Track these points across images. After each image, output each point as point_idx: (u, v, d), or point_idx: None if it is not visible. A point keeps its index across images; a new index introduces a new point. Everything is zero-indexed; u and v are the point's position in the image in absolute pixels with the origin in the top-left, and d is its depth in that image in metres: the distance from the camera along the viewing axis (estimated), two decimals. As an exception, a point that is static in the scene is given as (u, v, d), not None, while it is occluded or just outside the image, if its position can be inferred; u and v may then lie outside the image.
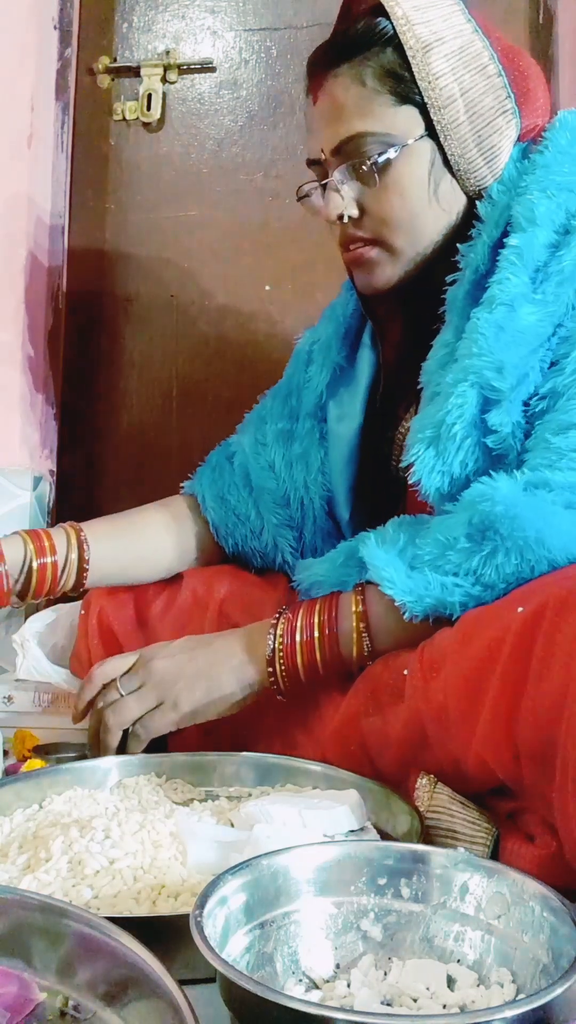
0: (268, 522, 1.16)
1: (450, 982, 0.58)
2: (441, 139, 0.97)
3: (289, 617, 0.95)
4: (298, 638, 0.94)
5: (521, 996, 0.55)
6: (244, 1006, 0.50)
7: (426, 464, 0.93)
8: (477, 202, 0.99)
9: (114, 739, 0.95)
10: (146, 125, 1.88)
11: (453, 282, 0.98)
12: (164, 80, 1.86)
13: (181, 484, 1.23)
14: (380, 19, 0.96)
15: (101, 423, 1.89)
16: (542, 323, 0.90)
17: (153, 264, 1.89)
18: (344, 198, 0.99)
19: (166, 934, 0.58)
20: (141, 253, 1.89)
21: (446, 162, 0.98)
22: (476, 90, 0.96)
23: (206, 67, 1.87)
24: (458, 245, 0.98)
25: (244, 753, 0.96)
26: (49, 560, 1.05)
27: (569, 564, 0.82)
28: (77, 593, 1.11)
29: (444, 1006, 0.55)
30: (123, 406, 1.89)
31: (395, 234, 0.99)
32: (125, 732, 0.96)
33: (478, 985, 0.58)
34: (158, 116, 1.86)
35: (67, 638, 1.26)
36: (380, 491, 1.09)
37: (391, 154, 0.96)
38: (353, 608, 0.93)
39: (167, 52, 1.87)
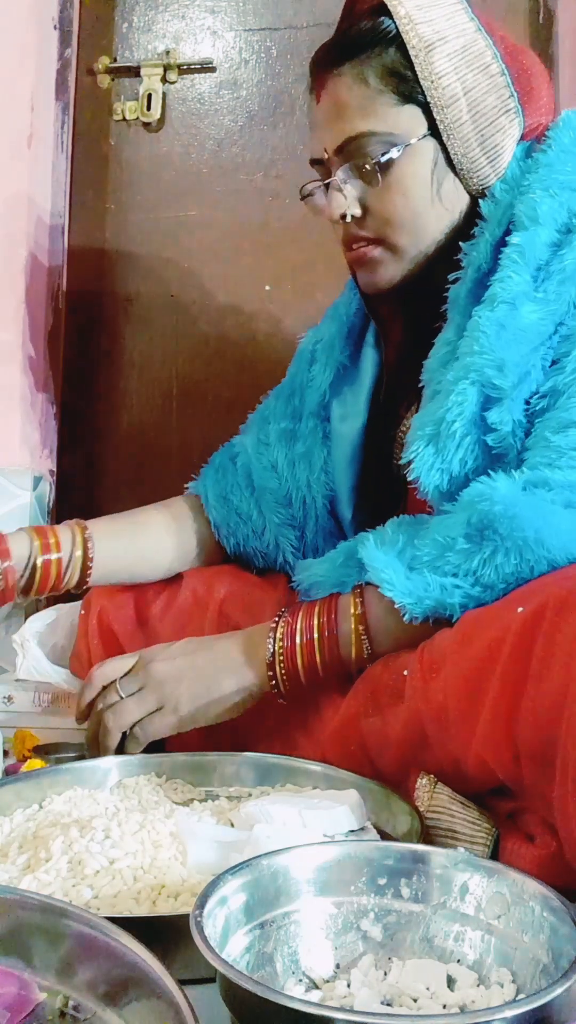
0: (270, 521, 1.16)
1: (450, 982, 0.58)
2: (444, 138, 0.97)
3: (288, 620, 0.95)
4: (298, 640, 0.94)
5: (521, 996, 0.55)
6: (244, 1006, 0.50)
7: (425, 461, 0.93)
8: (480, 201, 0.99)
9: (113, 741, 0.95)
10: (146, 125, 1.88)
11: (455, 280, 0.98)
12: (164, 80, 1.86)
13: (185, 485, 1.23)
14: (383, 18, 0.96)
15: (101, 423, 1.89)
16: (543, 321, 0.90)
17: (153, 264, 1.89)
18: (347, 197, 0.99)
19: (166, 934, 0.58)
20: (141, 253, 1.89)
21: (449, 161, 0.98)
22: (479, 89, 0.96)
23: (206, 67, 1.87)
24: (460, 244, 0.98)
25: (244, 753, 0.96)
26: (54, 557, 1.05)
27: (569, 564, 0.82)
28: (80, 591, 1.11)
29: (444, 1006, 0.55)
30: (123, 406, 1.89)
31: (398, 233, 0.99)
32: (124, 733, 0.96)
33: (478, 985, 0.58)
34: (158, 116, 1.86)
35: (67, 638, 1.26)
36: (382, 490, 1.09)
37: (394, 154, 0.96)
38: (352, 610, 0.93)
39: (167, 52, 1.87)
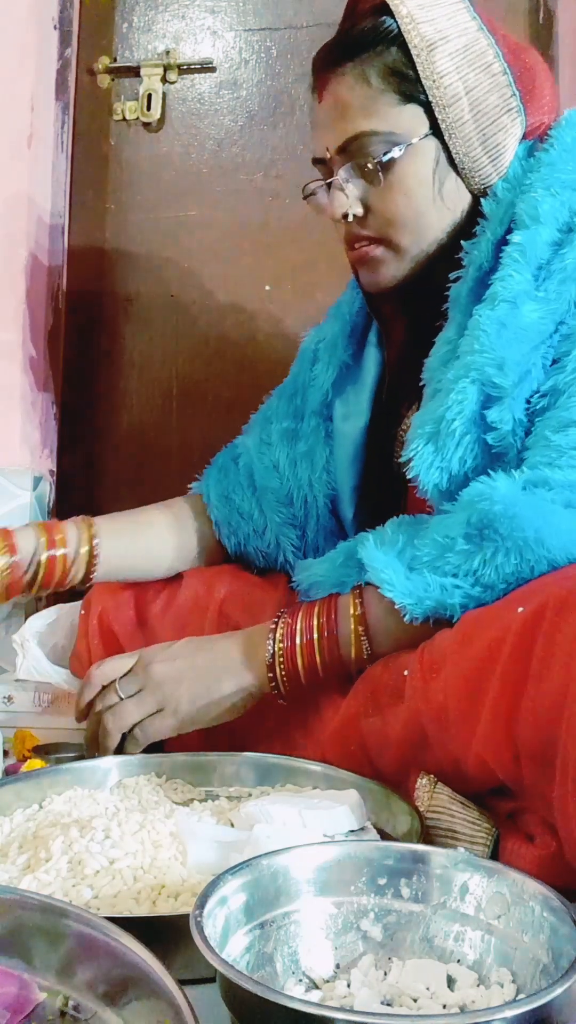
0: (271, 521, 1.16)
1: (450, 982, 0.58)
2: (446, 137, 0.97)
3: (288, 621, 0.95)
4: (298, 640, 0.94)
5: (521, 996, 0.55)
6: (244, 1006, 0.50)
7: (424, 460, 0.93)
8: (482, 200, 0.99)
9: (113, 742, 0.95)
10: (146, 125, 1.88)
11: (457, 279, 0.98)
12: (164, 80, 1.86)
13: (189, 485, 1.23)
14: (385, 18, 0.96)
15: (101, 423, 1.89)
16: (543, 320, 0.90)
17: (153, 264, 1.89)
18: (349, 197, 0.99)
19: (166, 934, 0.58)
20: (141, 253, 1.89)
21: (451, 160, 0.98)
22: (480, 88, 0.96)
23: (206, 67, 1.87)
24: (462, 242, 0.98)
25: (244, 753, 0.96)
26: (59, 553, 1.05)
27: (569, 564, 0.82)
28: (83, 587, 1.12)
29: (444, 1006, 0.55)
30: (123, 406, 1.89)
31: (400, 232, 0.99)
32: (124, 733, 0.96)
33: (478, 985, 0.58)
34: (158, 116, 1.86)
35: (67, 638, 1.26)
36: (384, 489, 1.09)
37: (395, 153, 0.96)
38: (352, 611, 0.93)
39: (167, 52, 1.87)
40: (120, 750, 0.96)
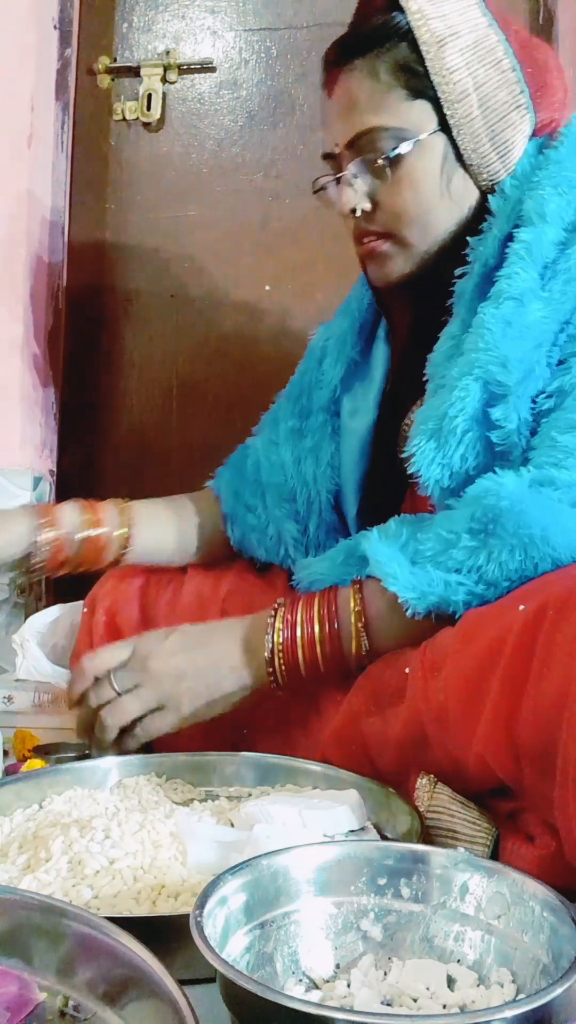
0: (272, 515, 1.17)
1: (450, 982, 0.58)
2: (454, 133, 0.97)
3: (288, 617, 0.94)
4: (299, 632, 0.93)
5: (521, 996, 0.55)
6: (244, 1006, 0.50)
7: (426, 456, 0.92)
8: (489, 196, 0.99)
9: (110, 737, 0.94)
10: (146, 125, 1.88)
11: (462, 275, 0.98)
12: (164, 80, 1.86)
13: (205, 484, 1.25)
14: (395, 13, 0.96)
15: (101, 423, 1.89)
16: (548, 320, 0.90)
17: (153, 264, 1.89)
18: (357, 192, 0.99)
19: (166, 934, 0.58)
20: (141, 253, 1.89)
21: (459, 156, 0.98)
22: (490, 84, 0.96)
23: (206, 67, 1.87)
24: (468, 238, 0.98)
25: (244, 753, 0.96)
26: (98, 532, 1.09)
27: (573, 562, 0.82)
28: (102, 569, 1.15)
29: (444, 1006, 0.55)
30: (123, 406, 1.89)
31: (407, 228, 0.99)
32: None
33: (478, 985, 0.57)
34: (158, 116, 1.86)
35: (67, 638, 1.27)
36: (388, 486, 1.09)
37: (404, 148, 0.96)
38: (352, 606, 0.92)
39: (167, 52, 1.87)
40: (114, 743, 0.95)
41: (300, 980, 0.58)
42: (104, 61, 1.88)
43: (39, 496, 1.73)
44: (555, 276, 0.91)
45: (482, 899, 0.61)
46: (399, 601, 0.87)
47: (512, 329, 0.90)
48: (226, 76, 1.87)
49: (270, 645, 0.94)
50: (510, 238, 0.95)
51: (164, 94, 1.87)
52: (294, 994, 0.55)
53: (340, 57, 0.99)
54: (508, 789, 0.80)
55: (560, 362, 0.91)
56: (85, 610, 1.19)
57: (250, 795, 0.91)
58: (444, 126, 0.97)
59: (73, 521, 1.08)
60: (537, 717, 0.73)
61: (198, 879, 0.70)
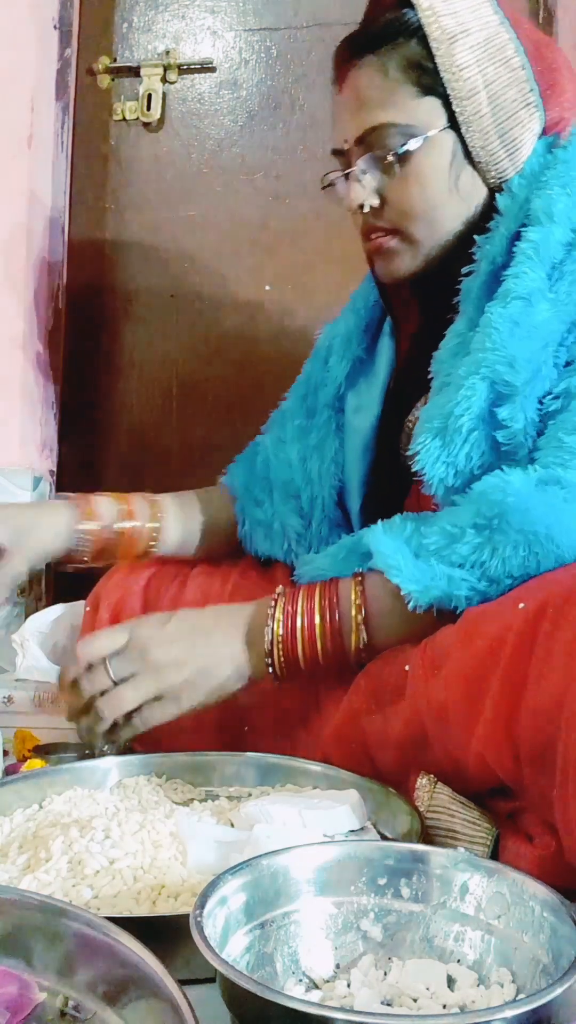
0: (278, 510, 1.17)
1: (450, 982, 0.58)
2: (463, 131, 0.97)
3: (288, 608, 0.94)
4: (299, 623, 0.93)
5: (521, 996, 0.55)
6: (244, 1006, 0.50)
7: (431, 454, 0.92)
8: (497, 194, 0.99)
9: (105, 727, 0.92)
10: (146, 125, 1.88)
11: (469, 273, 0.98)
12: (164, 80, 1.86)
13: (218, 479, 1.26)
14: (406, 10, 0.96)
15: (101, 423, 1.89)
16: (554, 321, 0.90)
17: (153, 264, 1.89)
18: (366, 188, 0.99)
19: (166, 934, 0.58)
20: (141, 253, 1.89)
21: (467, 154, 0.98)
22: (500, 82, 0.96)
23: (206, 67, 1.87)
24: (475, 237, 0.98)
25: (244, 753, 0.96)
26: (132, 525, 1.10)
27: None
28: (123, 560, 1.16)
29: (444, 1006, 0.55)
30: (123, 406, 1.89)
31: (415, 224, 0.99)
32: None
33: (478, 985, 0.58)
34: (158, 116, 1.86)
35: (67, 638, 1.27)
36: (392, 483, 1.09)
37: (412, 145, 0.96)
38: (353, 599, 0.92)
39: (167, 52, 1.87)
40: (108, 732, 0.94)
41: (300, 980, 0.58)
42: (104, 61, 1.88)
43: (39, 496, 1.73)
44: (562, 277, 0.91)
45: (482, 899, 0.61)
46: (401, 594, 0.87)
47: (520, 329, 0.90)
48: (226, 76, 1.87)
49: (269, 636, 0.93)
50: (518, 237, 0.94)
51: (164, 94, 1.87)
52: (294, 994, 0.55)
53: (350, 53, 0.99)
54: (508, 789, 0.80)
55: (567, 363, 0.91)
56: (88, 608, 1.18)
57: (250, 795, 0.91)
58: (453, 123, 0.97)
59: (110, 513, 1.09)
60: (537, 716, 0.73)
61: (198, 879, 0.70)
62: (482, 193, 1.00)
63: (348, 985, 0.57)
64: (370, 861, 0.63)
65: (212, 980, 0.51)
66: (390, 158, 0.97)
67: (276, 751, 0.96)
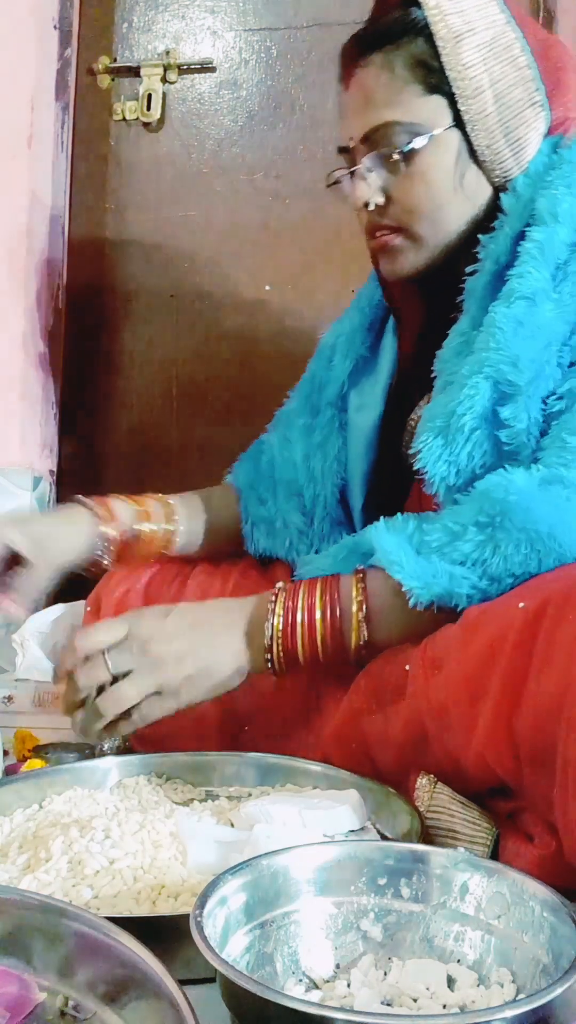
0: (281, 508, 1.18)
1: (450, 982, 0.58)
2: (468, 129, 0.97)
3: (289, 604, 0.93)
4: (299, 618, 0.92)
5: (521, 996, 0.55)
6: (244, 1006, 0.50)
7: (433, 452, 0.92)
8: (501, 194, 0.99)
9: (103, 724, 0.91)
10: (146, 125, 1.88)
11: (473, 272, 0.98)
12: (164, 80, 1.86)
13: (226, 480, 1.26)
14: (413, 9, 0.97)
15: (101, 423, 1.89)
16: (558, 322, 0.90)
17: (153, 264, 1.89)
18: (371, 185, 0.99)
19: (166, 934, 0.58)
20: (141, 253, 1.89)
21: (472, 153, 0.98)
22: (505, 81, 0.96)
23: (206, 67, 1.87)
24: (479, 236, 0.98)
25: (244, 753, 0.96)
26: (149, 528, 1.11)
27: None
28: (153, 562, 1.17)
29: (444, 1006, 0.55)
30: (123, 406, 1.89)
31: (419, 222, 0.99)
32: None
33: (478, 985, 0.58)
34: (158, 116, 1.86)
35: (67, 638, 1.26)
36: (394, 481, 1.09)
37: (418, 143, 0.96)
38: (354, 595, 0.91)
39: (167, 52, 1.87)
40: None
41: (300, 980, 0.58)
42: (104, 61, 1.88)
43: (39, 496, 1.73)
44: (566, 278, 0.91)
45: (482, 899, 0.61)
46: (403, 590, 0.87)
47: (524, 329, 0.90)
48: (226, 76, 1.87)
49: (269, 631, 0.92)
50: (522, 236, 0.94)
51: (164, 94, 1.87)
52: (294, 994, 0.55)
53: (357, 51, 0.99)
54: (508, 789, 0.80)
55: (572, 364, 0.91)
56: (88, 609, 1.18)
57: (250, 795, 0.91)
58: (459, 122, 0.97)
59: (127, 515, 1.10)
60: (536, 715, 0.73)
61: (198, 879, 0.70)
62: (487, 192, 1.00)
63: (348, 985, 0.57)
64: (370, 861, 0.63)
65: (212, 980, 0.51)
66: (395, 156, 0.97)
67: (276, 751, 0.96)
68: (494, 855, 0.79)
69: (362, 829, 0.80)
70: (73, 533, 1.06)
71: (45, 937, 0.53)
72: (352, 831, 0.79)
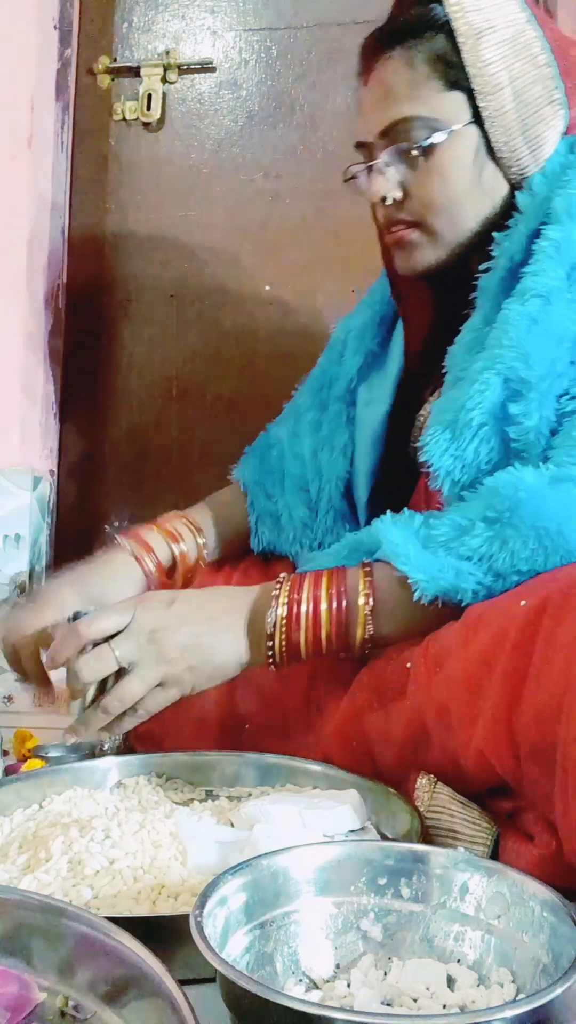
0: (287, 502, 1.18)
1: (450, 982, 0.58)
2: (487, 126, 0.97)
3: (294, 595, 0.92)
4: (304, 609, 0.91)
5: (521, 996, 0.55)
6: (244, 1006, 0.50)
7: (439, 446, 0.92)
8: (517, 192, 0.99)
9: (107, 721, 0.90)
10: (146, 125, 1.88)
11: (487, 270, 0.98)
12: (164, 80, 1.86)
13: (233, 476, 1.25)
14: (434, 5, 0.97)
15: (101, 423, 1.89)
16: (572, 321, 0.90)
17: (153, 264, 1.89)
18: (389, 180, 0.99)
19: (166, 934, 0.58)
20: (141, 253, 1.89)
21: (490, 150, 0.98)
22: (525, 79, 0.96)
23: (206, 67, 1.87)
24: (495, 233, 0.98)
25: (244, 753, 0.96)
26: (182, 550, 1.12)
27: None
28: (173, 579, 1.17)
29: (444, 1006, 0.55)
30: (123, 406, 1.89)
31: (436, 218, 1.00)
32: None
33: (478, 985, 0.58)
34: (158, 116, 1.86)
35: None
36: (400, 476, 1.09)
37: (437, 138, 0.96)
38: (361, 588, 0.91)
39: (167, 52, 1.87)
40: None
41: (300, 980, 0.58)
42: (104, 61, 1.88)
43: (39, 496, 1.73)
44: None
45: (482, 899, 0.61)
46: (408, 582, 0.87)
47: (537, 327, 0.90)
48: (226, 76, 1.87)
49: (272, 620, 0.91)
50: (537, 235, 0.94)
51: (164, 94, 1.87)
52: (294, 994, 0.55)
53: (378, 47, 0.99)
54: (508, 789, 0.80)
55: None
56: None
57: (250, 795, 0.91)
58: (477, 118, 0.97)
59: (162, 543, 1.11)
60: (536, 716, 0.73)
61: (198, 879, 0.70)
62: (503, 189, 1.00)
63: (348, 985, 0.57)
64: (370, 861, 0.63)
65: (212, 980, 0.51)
66: (414, 151, 0.97)
67: (276, 751, 0.96)
68: (494, 855, 0.79)
69: (362, 829, 0.80)
70: (125, 585, 1.07)
71: (45, 937, 0.53)
72: (352, 831, 0.79)
